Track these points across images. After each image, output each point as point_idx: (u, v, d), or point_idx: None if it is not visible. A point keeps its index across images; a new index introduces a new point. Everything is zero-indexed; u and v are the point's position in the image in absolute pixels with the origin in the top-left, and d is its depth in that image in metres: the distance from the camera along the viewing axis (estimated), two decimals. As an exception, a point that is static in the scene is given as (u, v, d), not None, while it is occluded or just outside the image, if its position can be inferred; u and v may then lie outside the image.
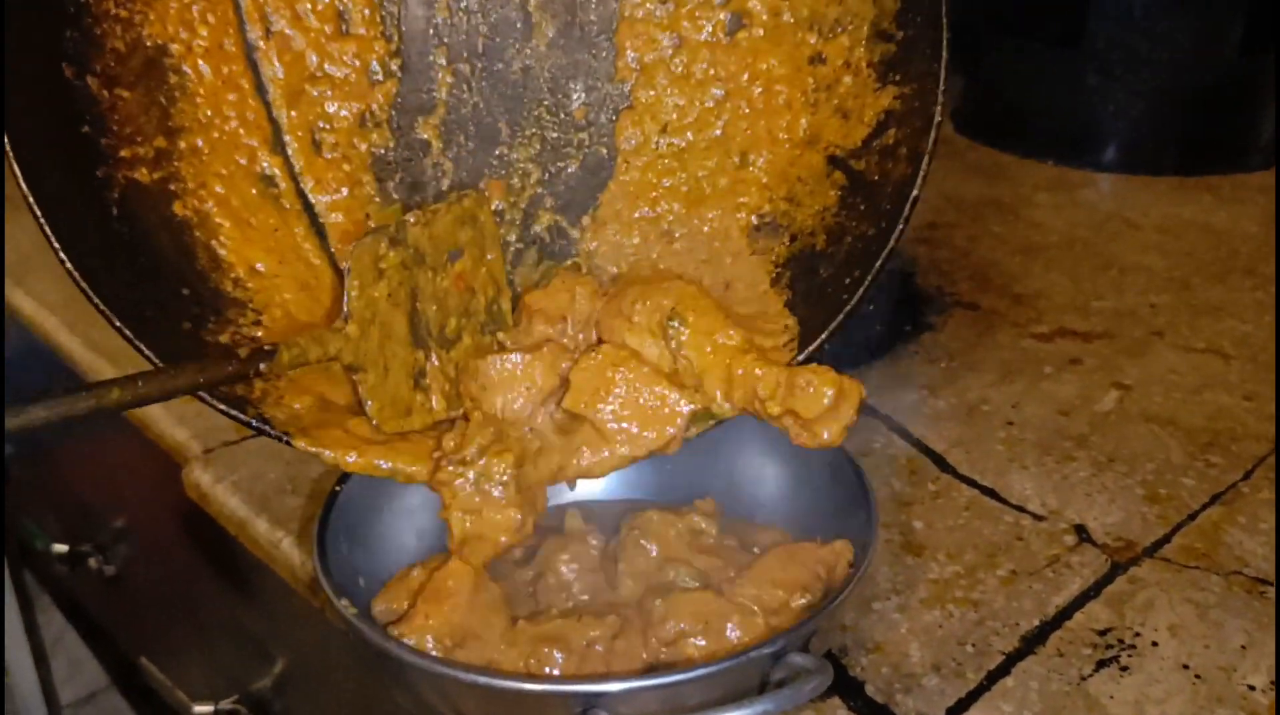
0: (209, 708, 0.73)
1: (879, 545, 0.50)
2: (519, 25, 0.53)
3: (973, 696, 0.43)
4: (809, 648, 0.40)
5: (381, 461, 0.44)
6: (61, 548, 0.89)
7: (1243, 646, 0.45)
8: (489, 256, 0.49)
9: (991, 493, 0.54)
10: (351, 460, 0.44)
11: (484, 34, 0.53)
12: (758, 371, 0.44)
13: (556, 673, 0.39)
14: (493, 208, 0.52)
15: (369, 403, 0.44)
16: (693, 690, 0.36)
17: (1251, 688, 0.43)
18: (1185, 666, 0.44)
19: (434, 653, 0.39)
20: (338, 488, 0.45)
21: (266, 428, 0.45)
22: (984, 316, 0.71)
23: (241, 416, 0.45)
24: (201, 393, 0.43)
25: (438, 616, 0.40)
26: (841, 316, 0.47)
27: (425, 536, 0.47)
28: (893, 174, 0.47)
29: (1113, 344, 0.68)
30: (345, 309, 0.42)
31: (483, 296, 0.49)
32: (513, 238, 0.53)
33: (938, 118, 0.46)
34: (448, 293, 0.47)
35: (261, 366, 0.40)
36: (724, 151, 0.53)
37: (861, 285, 0.46)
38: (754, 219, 0.52)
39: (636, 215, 0.53)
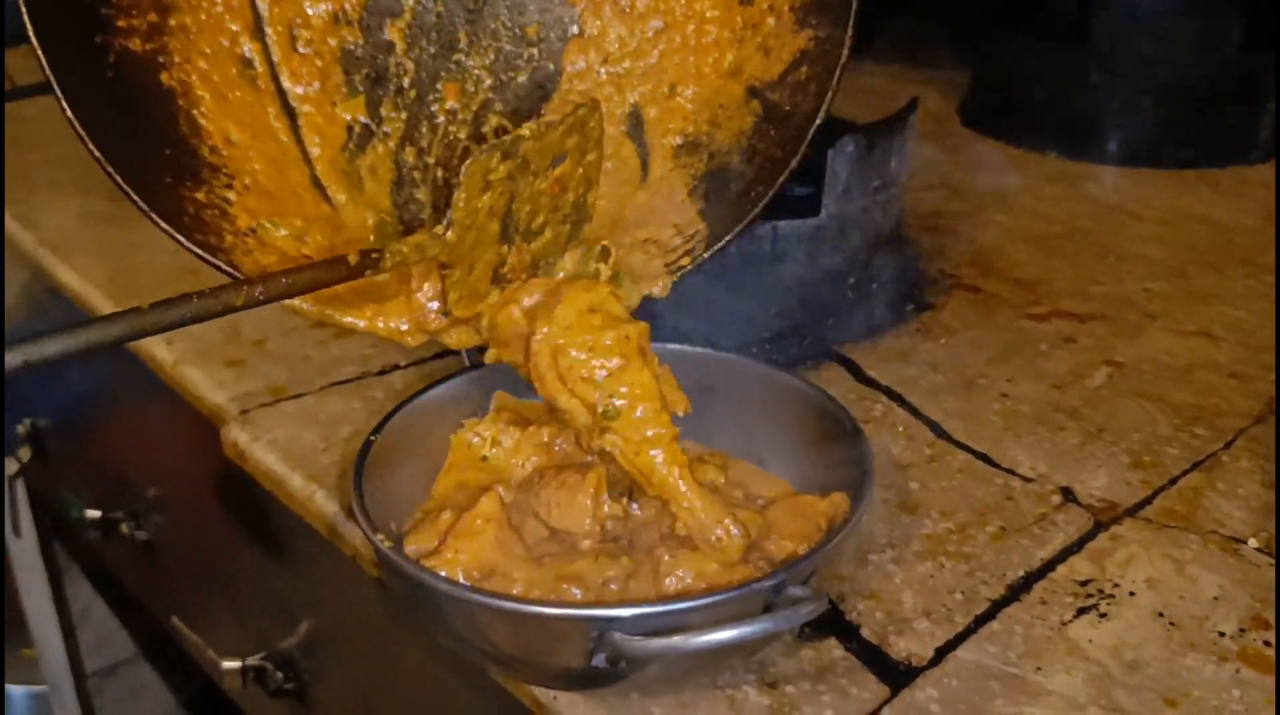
0: (237, 664, 0.77)
1: (875, 499, 0.54)
2: None
3: (960, 638, 0.46)
4: (809, 585, 0.43)
5: (333, 312, 0.50)
6: (94, 514, 0.92)
7: (1215, 597, 0.48)
8: (589, 157, 0.54)
9: (985, 457, 0.57)
10: (306, 308, 0.50)
11: None
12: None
13: (575, 604, 0.42)
14: (447, 107, 0.60)
15: (451, 295, 0.49)
16: (700, 616, 0.39)
17: (1222, 634, 0.46)
18: (1160, 615, 0.47)
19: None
20: (372, 437, 0.49)
21: (234, 272, 0.51)
22: (984, 298, 0.74)
23: (212, 260, 0.51)
24: (180, 238, 0.50)
25: (468, 552, 0.43)
26: (744, 223, 0.54)
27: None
28: (802, 106, 0.54)
29: (1107, 325, 0.71)
30: (449, 217, 0.47)
31: (573, 193, 0.53)
32: (463, 135, 0.60)
33: (844, 59, 0.52)
34: (542, 193, 0.52)
35: (368, 271, 0.45)
36: (656, 81, 0.59)
37: (764, 198, 0.54)
38: (678, 139, 0.59)
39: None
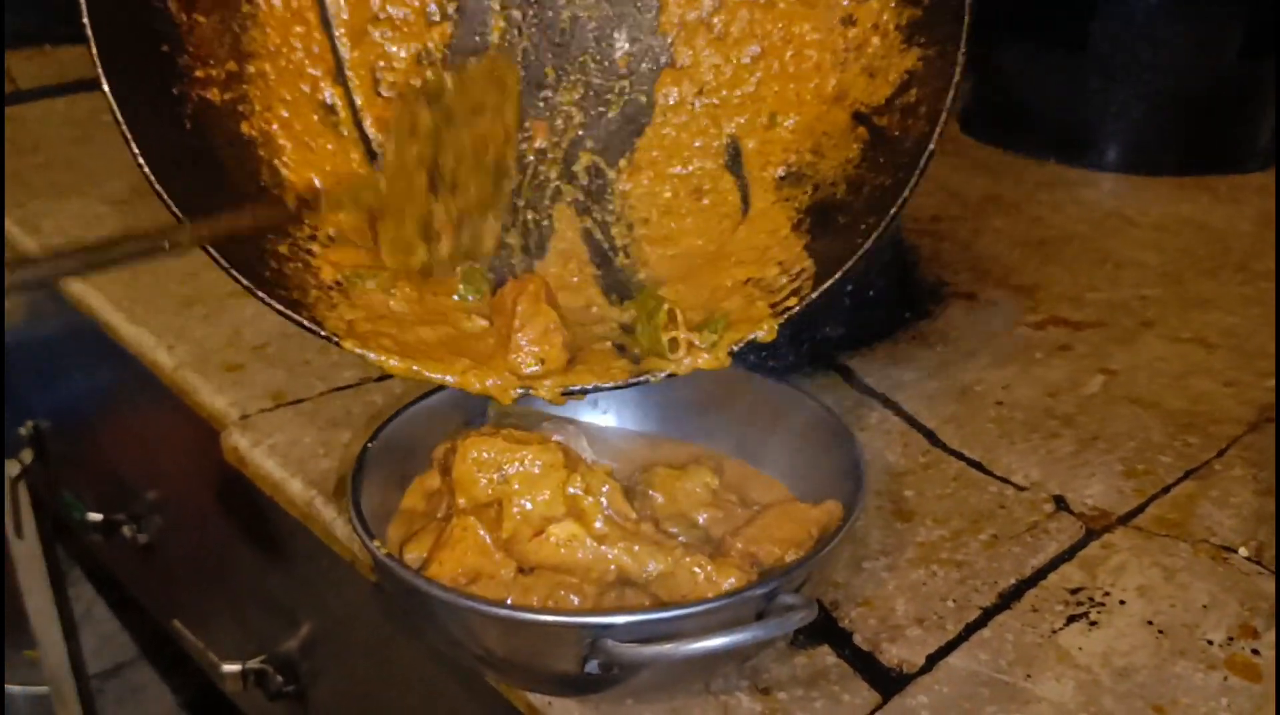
0: (237, 667, 0.77)
1: (869, 507, 0.54)
2: None
3: (951, 645, 0.46)
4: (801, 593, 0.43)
5: (421, 368, 0.49)
6: (96, 517, 0.93)
7: (1205, 606, 0.48)
8: (507, 114, 0.53)
9: (978, 465, 0.58)
10: (394, 363, 0.48)
11: None
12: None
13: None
14: (536, 146, 0.57)
15: (384, 247, 0.49)
16: (693, 624, 0.39)
17: (1210, 642, 0.46)
18: (1150, 622, 0.48)
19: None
20: (369, 445, 0.49)
21: (318, 329, 0.49)
22: (981, 305, 0.74)
23: (294, 316, 0.49)
24: (261, 294, 0.48)
25: (450, 562, 0.44)
26: (855, 258, 0.49)
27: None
28: (912, 130, 0.50)
29: (1103, 332, 0.71)
30: (379, 164, 0.47)
31: (493, 150, 0.53)
32: (554, 175, 0.57)
33: (957, 78, 0.48)
34: (465, 148, 0.51)
35: (306, 214, 0.46)
36: (754, 110, 0.56)
37: (875, 230, 0.49)
38: (780, 171, 0.55)
39: (671, 171, 0.56)
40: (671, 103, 0.57)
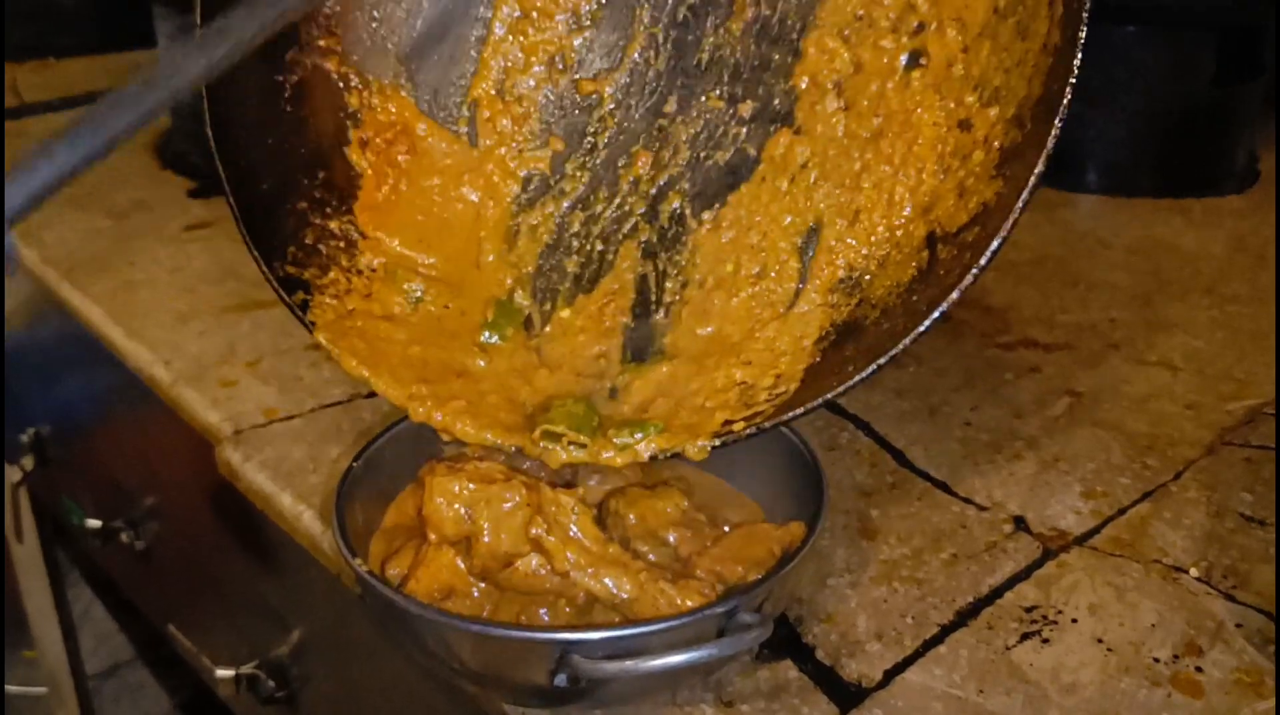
0: (231, 672, 0.79)
1: (836, 526, 0.56)
2: (723, 4, 0.54)
3: (908, 661, 0.49)
4: (761, 611, 0.46)
5: (373, 378, 0.50)
6: (95, 523, 0.95)
7: (1153, 625, 0.50)
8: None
9: (943, 486, 0.60)
10: (353, 364, 0.50)
11: (687, 4, 0.55)
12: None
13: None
14: (633, 176, 0.55)
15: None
16: (657, 640, 0.42)
17: (1156, 660, 0.49)
18: (1099, 640, 0.50)
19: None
20: (354, 464, 0.51)
21: (301, 313, 0.50)
22: (953, 326, 0.77)
23: (286, 299, 0.50)
24: (256, 254, 0.49)
25: (426, 579, 0.46)
26: (818, 402, 0.47)
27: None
28: (950, 276, 0.46)
29: (1071, 355, 0.73)
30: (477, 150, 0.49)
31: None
32: (639, 209, 0.55)
33: (1005, 234, 0.43)
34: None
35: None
36: (847, 200, 0.52)
37: (854, 377, 0.46)
38: (842, 273, 0.51)
39: (747, 241, 0.54)
40: (776, 158, 0.53)
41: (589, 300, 0.56)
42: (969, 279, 0.45)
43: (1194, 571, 0.54)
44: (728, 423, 0.48)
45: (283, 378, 0.71)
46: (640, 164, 0.55)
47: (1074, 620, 0.51)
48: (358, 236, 0.53)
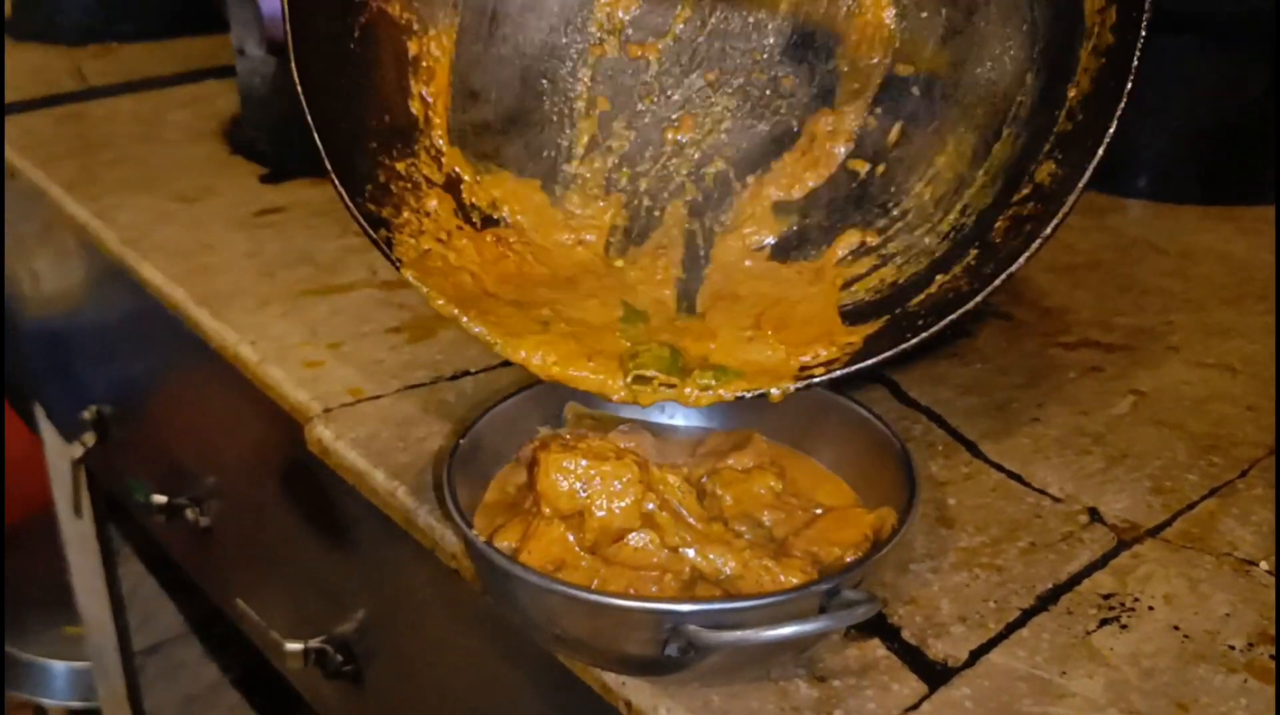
0: (300, 645, 0.81)
1: (918, 513, 0.58)
2: None
3: (992, 643, 0.51)
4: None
5: (462, 316, 0.52)
6: (161, 499, 0.97)
7: (1226, 614, 0.52)
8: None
9: (1017, 477, 0.62)
10: (440, 303, 0.52)
11: None
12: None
13: (653, 598, 0.47)
14: (678, 138, 0.58)
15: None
16: (764, 614, 0.44)
17: (1231, 647, 0.51)
18: (1176, 628, 0.52)
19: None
20: (460, 441, 0.53)
21: (387, 250, 0.52)
22: (1016, 326, 0.79)
23: (371, 233, 0.52)
24: (343, 191, 0.50)
25: (538, 552, 0.48)
26: (892, 352, 0.52)
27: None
28: (1005, 247, 0.50)
29: (1131, 356, 0.75)
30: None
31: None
32: (684, 171, 0.58)
33: (1049, 232, 0.47)
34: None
35: None
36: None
37: (925, 332, 0.51)
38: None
39: (788, 213, 0.57)
40: (820, 133, 0.56)
41: (640, 252, 0.59)
42: (1036, 244, 0.48)
43: (1264, 565, 0.55)
44: (805, 368, 0.52)
45: (365, 360, 0.73)
46: (684, 128, 0.58)
47: (1150, 608, 0.53)
48: (421, 179, 0.55)
